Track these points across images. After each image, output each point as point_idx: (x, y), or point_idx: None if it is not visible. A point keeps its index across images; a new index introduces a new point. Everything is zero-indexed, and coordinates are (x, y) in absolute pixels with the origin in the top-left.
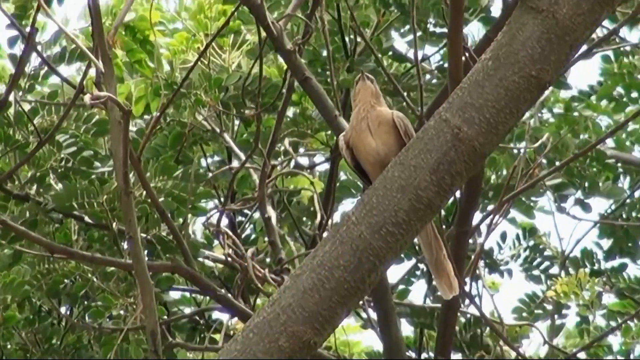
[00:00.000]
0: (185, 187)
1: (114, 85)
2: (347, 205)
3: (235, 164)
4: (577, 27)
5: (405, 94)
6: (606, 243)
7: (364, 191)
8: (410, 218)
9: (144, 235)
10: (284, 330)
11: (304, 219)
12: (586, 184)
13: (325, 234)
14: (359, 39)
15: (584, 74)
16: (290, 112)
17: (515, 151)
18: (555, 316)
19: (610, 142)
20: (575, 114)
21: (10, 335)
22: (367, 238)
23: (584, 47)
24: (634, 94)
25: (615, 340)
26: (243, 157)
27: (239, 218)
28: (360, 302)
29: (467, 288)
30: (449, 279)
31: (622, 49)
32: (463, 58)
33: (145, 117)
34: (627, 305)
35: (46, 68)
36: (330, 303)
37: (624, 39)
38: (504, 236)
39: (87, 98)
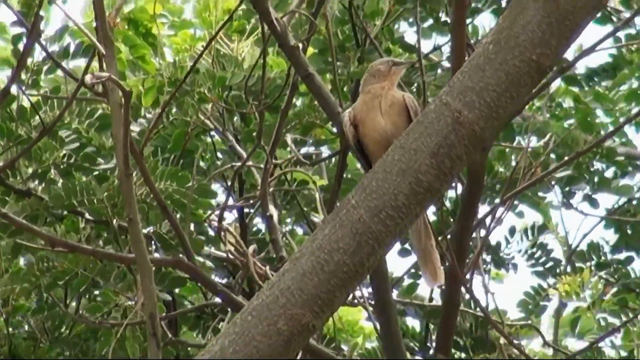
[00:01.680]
0: (187, 193)
1: (114, 67)
2: None
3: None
4: (578, 11)
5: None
6: (613, 237)
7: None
8: (410, 202)
9: (144, 231)
10: (282, 313)
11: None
12: (595, 179)
13: None
14: (369, 28)
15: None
16: (299, 102)
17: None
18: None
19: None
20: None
21: (19, 324)
22: (367, 221)
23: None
24: None
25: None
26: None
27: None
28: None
29: (469, 285)
30: (434, 268)
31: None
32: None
33: (148, 115)
34: (632, 300)
35: (49, 63)
36: (329, 286)
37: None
38: (512, 230)
39: (87, 78)
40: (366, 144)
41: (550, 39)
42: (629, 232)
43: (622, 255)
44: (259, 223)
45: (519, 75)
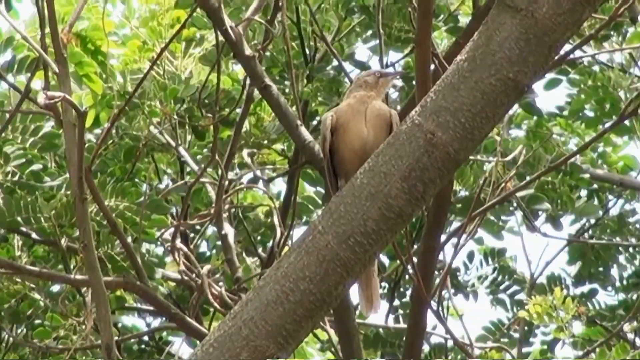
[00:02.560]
0: (139, 211)
1: (68, 86)
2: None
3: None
4: (557, 27)
5: None
6: (575, 269)
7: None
8: (379, 227)
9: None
10: (245, 345)
11: (259, 236)
12: (559, 200)
13: (285, 250)
14: (318, 45)
15: (552, 92)
16: (246, 122)
17: (486, 163)
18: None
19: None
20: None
21: None
22: (334, 248)
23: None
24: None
25: None
26: (198, 171)
27: (191, 234)
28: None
29: (434, 307)
30: (371, 295)
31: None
32: (432, 65)
33: (96, 131)
34: (596, 333)
35: None
36: (295, 316)
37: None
38: (470, 256)
39: (41, 98)
40: (341, 152)
41: (528, 56)
42: (592, 258)
43: (585, 288)
44: (203, 248)
45: (495, 94)
